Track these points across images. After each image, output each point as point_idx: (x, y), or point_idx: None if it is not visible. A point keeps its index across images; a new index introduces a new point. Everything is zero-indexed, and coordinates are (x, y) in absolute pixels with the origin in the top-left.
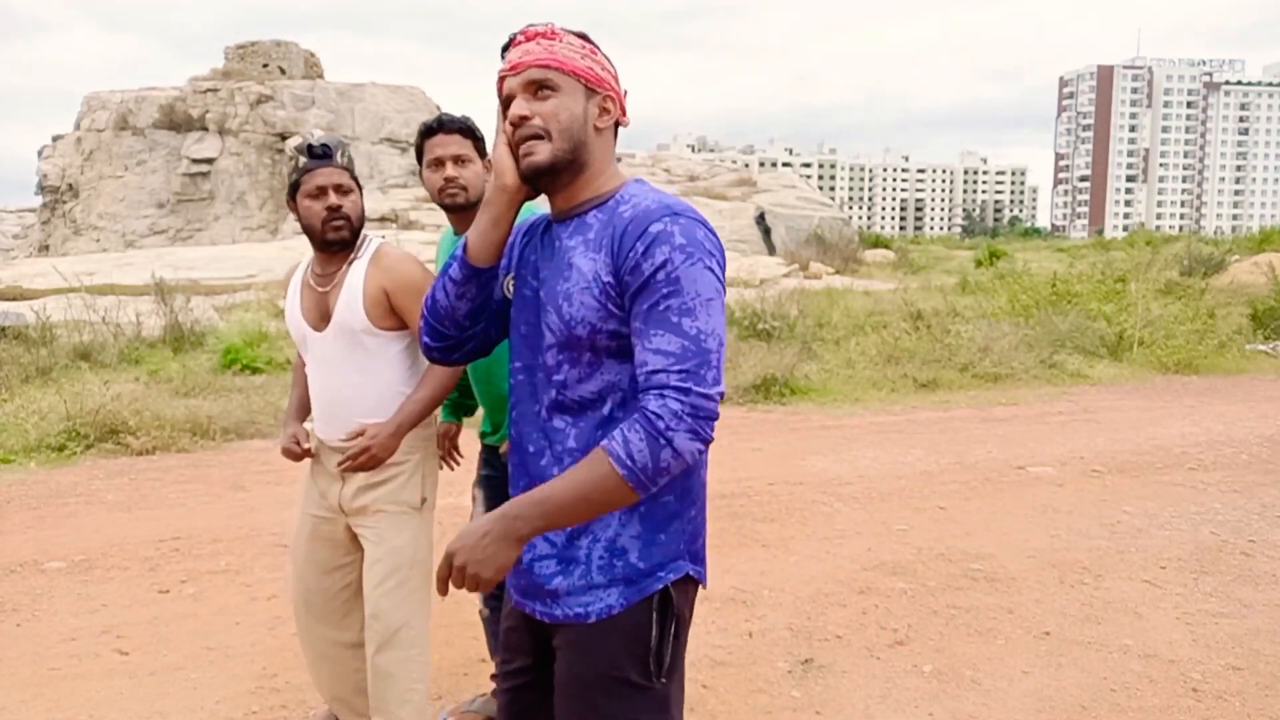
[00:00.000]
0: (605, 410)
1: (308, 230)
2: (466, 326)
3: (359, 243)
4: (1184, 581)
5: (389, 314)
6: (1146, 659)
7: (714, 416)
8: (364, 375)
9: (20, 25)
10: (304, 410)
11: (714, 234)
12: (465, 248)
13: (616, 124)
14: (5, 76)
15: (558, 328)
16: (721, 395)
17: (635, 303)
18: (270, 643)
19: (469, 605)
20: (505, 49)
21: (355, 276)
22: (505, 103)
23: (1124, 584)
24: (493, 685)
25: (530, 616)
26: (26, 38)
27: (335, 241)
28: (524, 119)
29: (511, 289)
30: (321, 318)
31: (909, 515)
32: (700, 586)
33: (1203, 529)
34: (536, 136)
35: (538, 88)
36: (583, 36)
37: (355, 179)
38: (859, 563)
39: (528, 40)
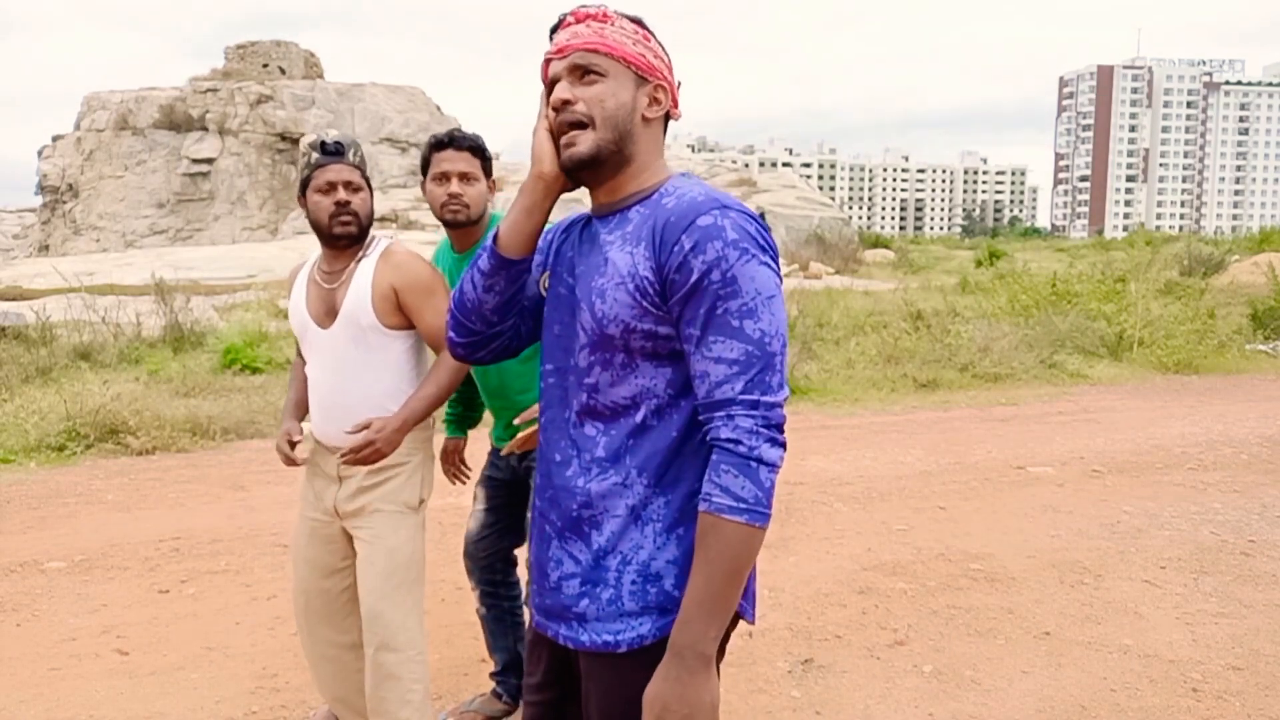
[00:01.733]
0: (638, 418)
1: (315, 225)
2: (494, 322)
3: (368, 242)
4: (1184, 581)
5: (396, 311)
6: (1146, 659)
7: (784, 421)
8: (366, 373)
9: (21, 24)
10: (300, 409)
11: (767, 230)
12: (496, 238)
13: (667, 116)
14: (5, 76)
15: (590, 326)
16: (786, 398)
17: (687, 307)
18: (270, 643)
19: (469, 605)
20: (553, 31)
21: (364, 273)
22: (549, 87)
23: (1124, 584)
24: (492, 685)
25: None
26: (27, 37)
27: (342, 236)
28: (567, 103)
29: (546, 287)
30: (327, 313)
31: (909, 515)
32: (745, 622)
33: (1203, 529)
34: (579, 124)
35: (583, 72)
36: (637, 21)
37: (367, 179)
38: (859, 563)
39: (577, 22)
